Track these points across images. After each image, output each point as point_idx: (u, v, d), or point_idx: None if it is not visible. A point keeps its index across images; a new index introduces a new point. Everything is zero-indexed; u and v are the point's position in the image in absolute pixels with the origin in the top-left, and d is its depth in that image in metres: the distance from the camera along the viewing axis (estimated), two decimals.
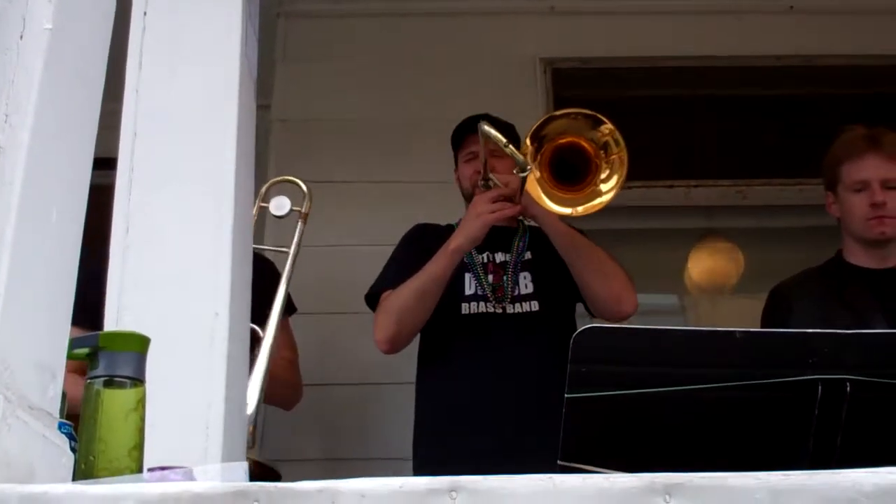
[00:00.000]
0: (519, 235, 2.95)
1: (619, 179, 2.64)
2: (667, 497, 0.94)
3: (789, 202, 4.00)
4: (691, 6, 4.12)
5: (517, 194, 2.74)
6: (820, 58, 4.19)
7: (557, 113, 2.84)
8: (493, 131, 2.62)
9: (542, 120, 2.74)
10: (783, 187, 4.10)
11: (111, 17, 1.26)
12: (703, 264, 4.56)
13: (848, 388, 1.36)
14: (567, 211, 2.69)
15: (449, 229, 2.99)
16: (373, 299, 2.91)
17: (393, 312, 2.77)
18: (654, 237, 4.43)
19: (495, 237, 2.87)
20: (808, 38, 4.14)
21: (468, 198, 2.99)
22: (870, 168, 2.73)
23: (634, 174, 4.05)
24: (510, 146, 2.58)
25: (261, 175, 3.34)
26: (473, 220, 2.74)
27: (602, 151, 2.65)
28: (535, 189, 2.68)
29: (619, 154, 2.64)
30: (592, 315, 2.96)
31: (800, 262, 3.00)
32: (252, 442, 2.25)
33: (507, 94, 3.98)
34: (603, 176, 2.67)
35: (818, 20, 4.15)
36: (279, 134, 3.96)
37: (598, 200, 2.66)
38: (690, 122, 4.39)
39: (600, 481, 0.95)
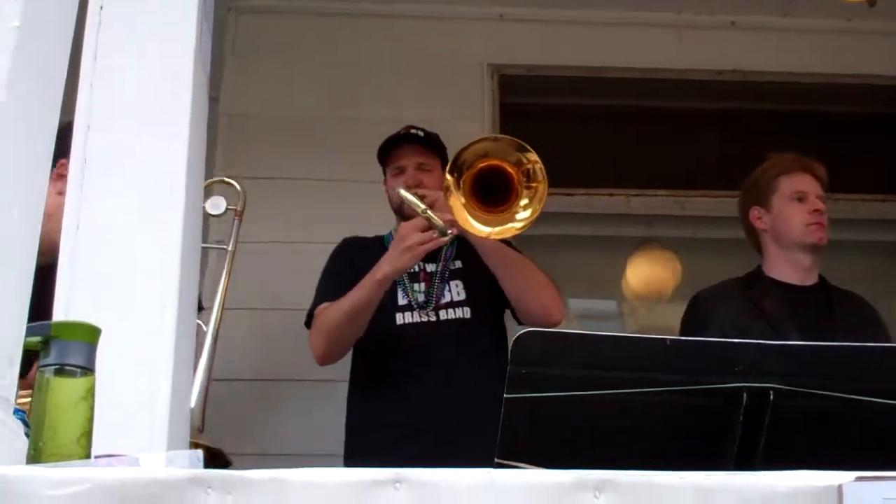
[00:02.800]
0: (446, 245, 2.97)
1: (533, 213, 2.65)
2: (596, 493, 1.00)
3: (726, 213, 4.07)
4: (636, 19, 4.22)
5: (444, 221, 2.74)
6: (759, 73, 4.31)
7: (487, 136, 2.89)
8: (409, 196, 2.71)
9: (472, 141, 2.74)
10: (720, 199, 4.20)
11: (73, 17, 1.29)
12: (642, 271, 4.65)
13: (771, 396, 1.43)
14: (485, 231, 2.69)
15: (377, 241, 3.04)
16: (311, 319, 2.93)
17: (323, 332, 2.83)
18: (595, 244, 4.51)
19: None
20: (748, 54, 4.25)
21: (397, 210, 3.03)
22: (806, 183, 2.90)
23: (577, 181, 4.19)
24: (428, 212, 2.65)
25: (207, 169, 3.37)
26: (402, 254, 2.72)
27: (524, 178, 2.68)
28: (459, 210, 2.70)
29: (540, 186, 2.64)
30: (520, 322, 3.02)
31: (735, 272, 3.09)
32: (202, 426, 2.31)
33: (454, 98, 4.04)
34: (522, 203, 2.67)
35: (758, 37, 4.27)
36: (226, 128, 3.97)
37: (510, 225, 2.67)
38: (632, 132, 4.48)
39: (535, 476, 1.00)
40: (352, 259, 2.97)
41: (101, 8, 1.85)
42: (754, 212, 2.96)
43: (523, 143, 2.64)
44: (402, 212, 2.97)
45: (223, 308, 2.70)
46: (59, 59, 1.25)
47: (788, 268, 2.89)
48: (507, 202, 2.67)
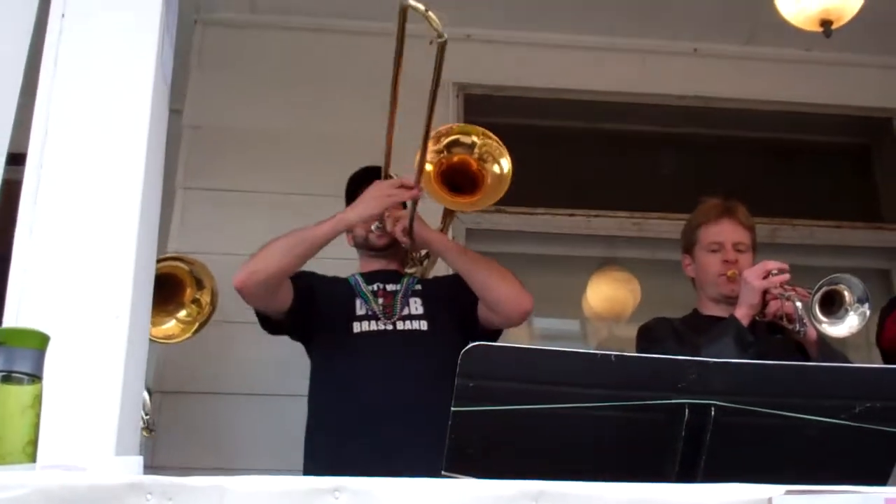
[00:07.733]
0: (409, 276, 3.07)
1: (507, 161, 2.99)
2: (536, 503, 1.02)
3: None
4: (600, 43, 4.27)
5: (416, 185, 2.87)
6: (718, 100, 4.37)
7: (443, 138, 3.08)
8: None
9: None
10: (677, 221, 4.24)
11: (32, 20, 1.29)
12: (602, 292, 4.67)
13: (712, 413, 1.46)
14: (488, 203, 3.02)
15: (341, 279, 3.04)
16: None
17: (261, 252, 2.80)
18: (557, 263, 4.53)
19: (385, 276, 3.01)
20: (710, 81, 4.32)
21: (361, 244, 3.08)
22: (724, 231, 3.02)
23: (539, 201, 4.21)
24: (429, 12, 2.45)
25: (169, 180, 3.36)
26: (370, 200, 2.83)
27: (482, 160, 2.98)
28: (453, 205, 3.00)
29: (496, 146, 3.01)
30: (489, 328, 3.02)
31: (692, 294, 3.13)
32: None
33: (419, 115, 4.04)
34: (494, 169, 3.00)
35: (719, 65, 4.33)
36: (189, 139, 3.95)
37: (502, 186, 2.99)
38: (594, 154, 4.52)
39: (476, 487, 1.02)
40: (318, 278, 2.99)
41: (63, 16, 1.86)
42: (685, 259, 3.12)
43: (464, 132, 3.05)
44: (368, 243, 3.01)
45: None
46: (14, 60, 1.25)
47: (716, 308, 2.99)
48: (480, 183, 2.98)
